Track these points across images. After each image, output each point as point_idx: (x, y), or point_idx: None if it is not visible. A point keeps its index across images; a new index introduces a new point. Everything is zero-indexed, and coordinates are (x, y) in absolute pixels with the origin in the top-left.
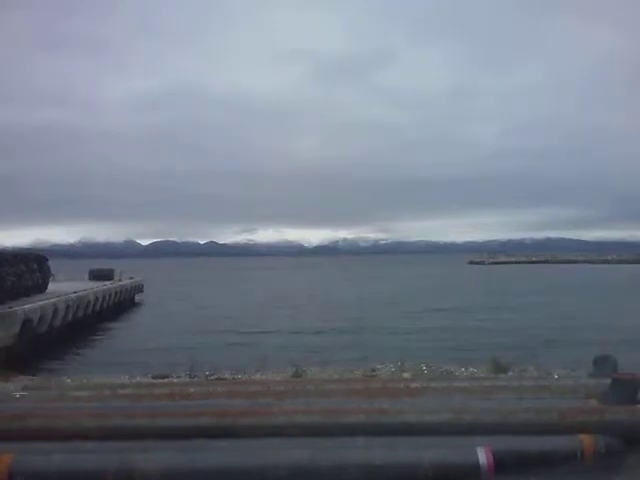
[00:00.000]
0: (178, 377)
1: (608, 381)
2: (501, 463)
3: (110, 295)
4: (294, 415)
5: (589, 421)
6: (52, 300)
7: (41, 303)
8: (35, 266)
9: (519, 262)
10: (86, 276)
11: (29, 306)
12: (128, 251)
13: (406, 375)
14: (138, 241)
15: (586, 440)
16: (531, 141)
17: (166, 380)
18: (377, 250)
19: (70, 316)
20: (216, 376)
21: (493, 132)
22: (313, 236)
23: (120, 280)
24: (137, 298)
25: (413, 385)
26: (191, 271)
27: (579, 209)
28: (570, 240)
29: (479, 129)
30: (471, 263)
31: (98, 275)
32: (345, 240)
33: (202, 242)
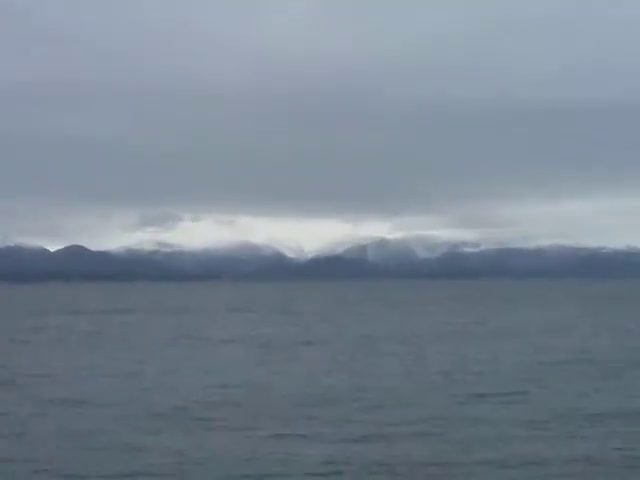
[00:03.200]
0: None
1: None
2: None
3: None
4: None
5: None
6: None
7: None
8: None
9: None
10: None
11: None
12: None
13: None
14: None
15: None
16: None
17: None
18: (458, 266)
19: None
20: None
21: None
22: (310, 235)
23: None
24: None
25: None
26: (20, 313)
27: None
28: None
29: None
30: None
31: None
32: (383, 243)
33: (54, 249)
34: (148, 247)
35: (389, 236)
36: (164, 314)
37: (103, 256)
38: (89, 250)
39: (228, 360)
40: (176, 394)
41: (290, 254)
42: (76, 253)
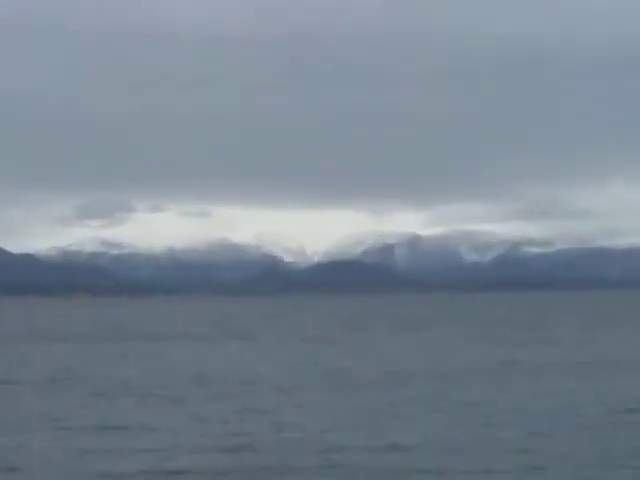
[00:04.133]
0: None
1: None
2: None
3: None
4: None
5: None
6: None
7: None
8: None
9: None
10: None
11: None
12: None
13: None
14: None
15: None
16: None
17: None
18: (519, 273)
19: None
20: None
21: None
22: (315, 232)
23: None
24: None
25: None
26: None
27: None
28: None
29: None
30: None
31: None
32: (415, 241)
33: None
34: (90, 248)
35: (424, 232)
36: (110, 342)
37: (27, 260)
38: (8, 252)
39: (195, 410)
40: (124, 457)
41: (287, 258)
42: None
